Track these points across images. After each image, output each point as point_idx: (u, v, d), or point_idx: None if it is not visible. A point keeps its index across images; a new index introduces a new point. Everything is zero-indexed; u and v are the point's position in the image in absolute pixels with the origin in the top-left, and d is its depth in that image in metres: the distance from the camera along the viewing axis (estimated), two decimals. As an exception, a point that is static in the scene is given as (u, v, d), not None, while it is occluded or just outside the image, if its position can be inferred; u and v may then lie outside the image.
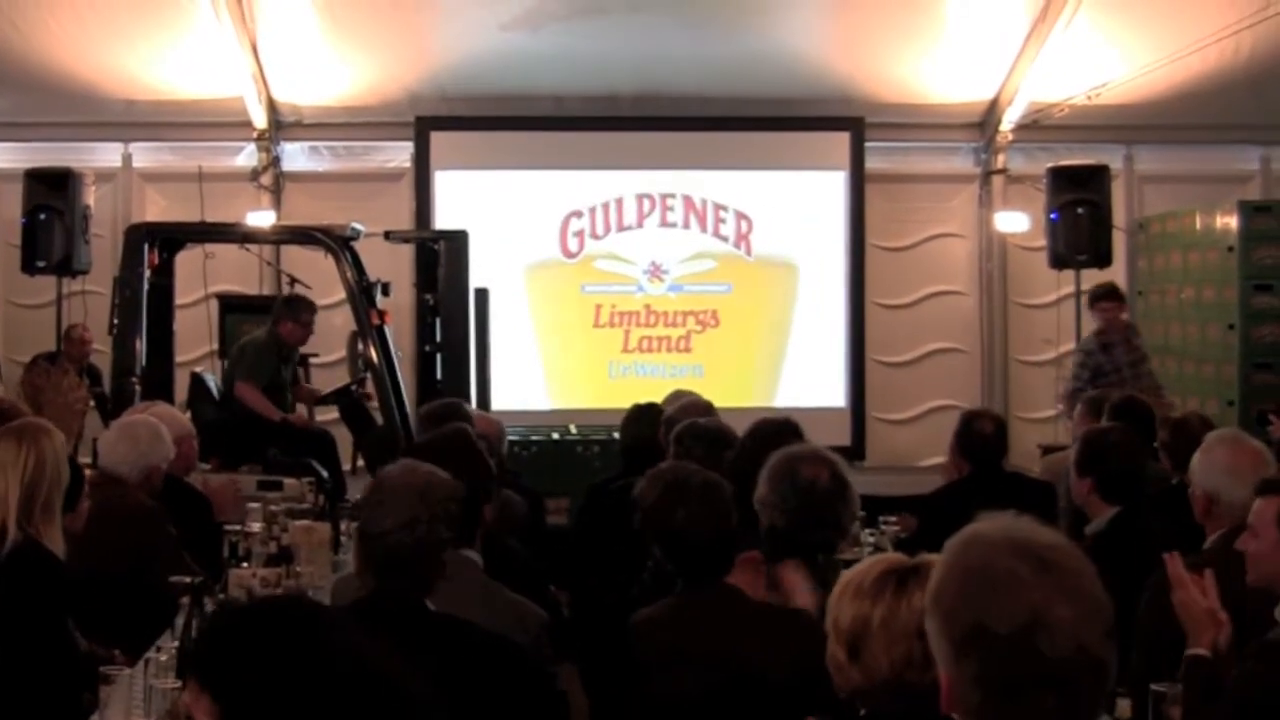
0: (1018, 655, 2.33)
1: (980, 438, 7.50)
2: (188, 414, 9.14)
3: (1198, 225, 13.43)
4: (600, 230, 14.28)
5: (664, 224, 14.31)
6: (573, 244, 14.24)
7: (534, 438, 11.96)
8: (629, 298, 14.31)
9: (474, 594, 4.56)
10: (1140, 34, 13.11)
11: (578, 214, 14.25)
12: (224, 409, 10.74)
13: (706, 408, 7.88)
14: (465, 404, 7.89)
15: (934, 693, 2.47)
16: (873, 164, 14.43)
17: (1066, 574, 2.38)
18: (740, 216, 14.33)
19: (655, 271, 14.23)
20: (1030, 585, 2.35)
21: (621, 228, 14.30)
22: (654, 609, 4.75)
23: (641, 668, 4.65)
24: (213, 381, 11.07)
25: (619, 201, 14.28)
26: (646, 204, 14.29)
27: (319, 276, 12.03)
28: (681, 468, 5.15)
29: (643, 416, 8.10)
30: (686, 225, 14.32)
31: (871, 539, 7.17)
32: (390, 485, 4.08)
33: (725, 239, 14.32)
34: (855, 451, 13.78)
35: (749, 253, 14.33)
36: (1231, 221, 12.83)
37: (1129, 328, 11.71)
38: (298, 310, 10.95)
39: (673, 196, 14.31)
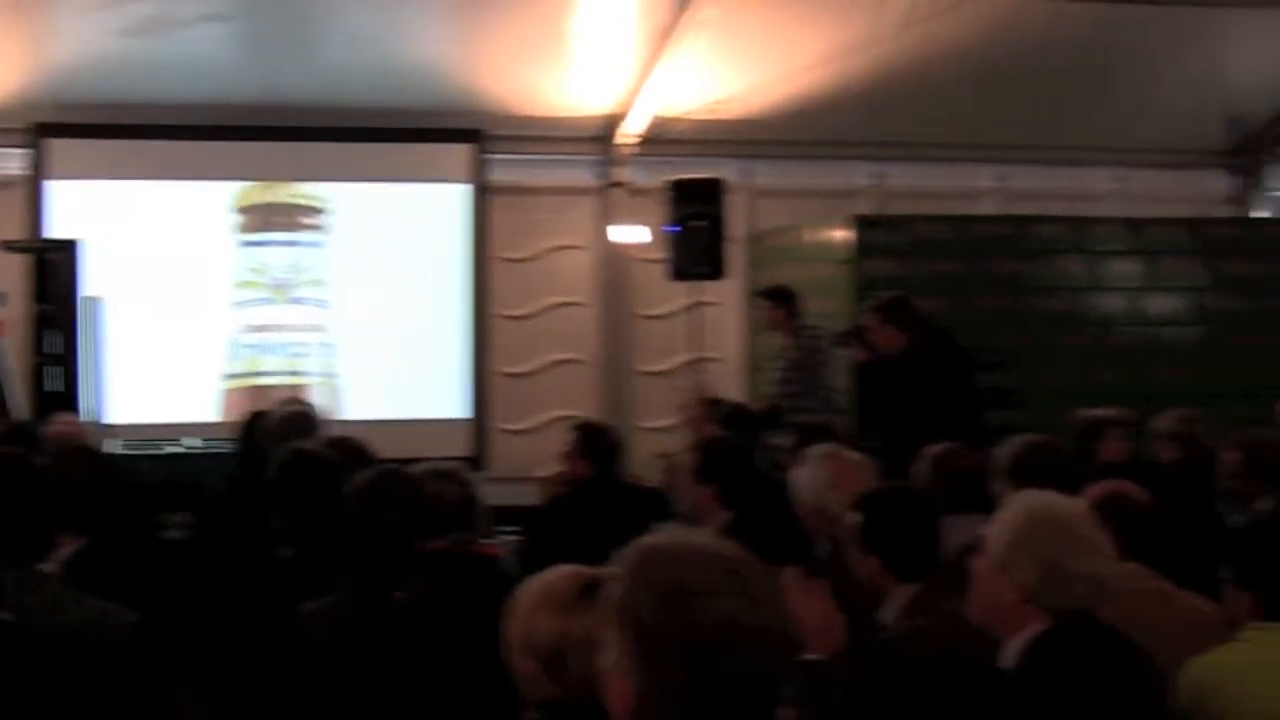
0: (705, 658, 2.35)
1: (606, 441, 7.69)
2: None
3: (811, 238, 13.78)
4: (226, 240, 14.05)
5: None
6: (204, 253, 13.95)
7: (151, 451, 11.68)
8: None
9: (55, 604, 4.41)
10: (760, 51, 13.39)
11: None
12: None
13: (305, 417, 7.88)
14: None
15: None
16: (495, 176, 14.43)
17: (747, 577, 2.41)
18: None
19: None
20: (716, 589, 2.37)
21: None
22: (321, 604, 4.74)
23: (311, 660, 4.60)
24: None
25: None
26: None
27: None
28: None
29: (253, 428, 8.04)
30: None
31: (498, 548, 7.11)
32: None
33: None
34: (477, 462, 13.79)
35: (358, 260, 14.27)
36: (844, 235, 13.19)
37: (796, 329, 11.92)
38: None
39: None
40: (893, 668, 4.21)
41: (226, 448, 11.10)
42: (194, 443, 11.94)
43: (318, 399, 12.16)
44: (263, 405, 10.67)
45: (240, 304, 14.05)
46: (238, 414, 11.14)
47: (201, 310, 13.89)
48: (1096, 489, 5.27)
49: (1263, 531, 4.80)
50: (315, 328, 14.20)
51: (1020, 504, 4.41)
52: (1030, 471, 5.95)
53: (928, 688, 4.05)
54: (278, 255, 14.13)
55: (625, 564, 2.49)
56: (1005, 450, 6.31)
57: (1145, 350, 13.69)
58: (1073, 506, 4.43)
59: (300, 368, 14.17)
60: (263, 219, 14.11)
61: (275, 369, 14.12)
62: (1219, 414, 10.27)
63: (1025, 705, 3.99)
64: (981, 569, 4.34)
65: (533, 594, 3.30)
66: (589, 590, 3.16)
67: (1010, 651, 4.19)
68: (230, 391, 13.95)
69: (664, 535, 2.53)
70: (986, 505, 5.91)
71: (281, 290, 14.12)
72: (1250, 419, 10.61)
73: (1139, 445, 9.19)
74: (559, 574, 3.32)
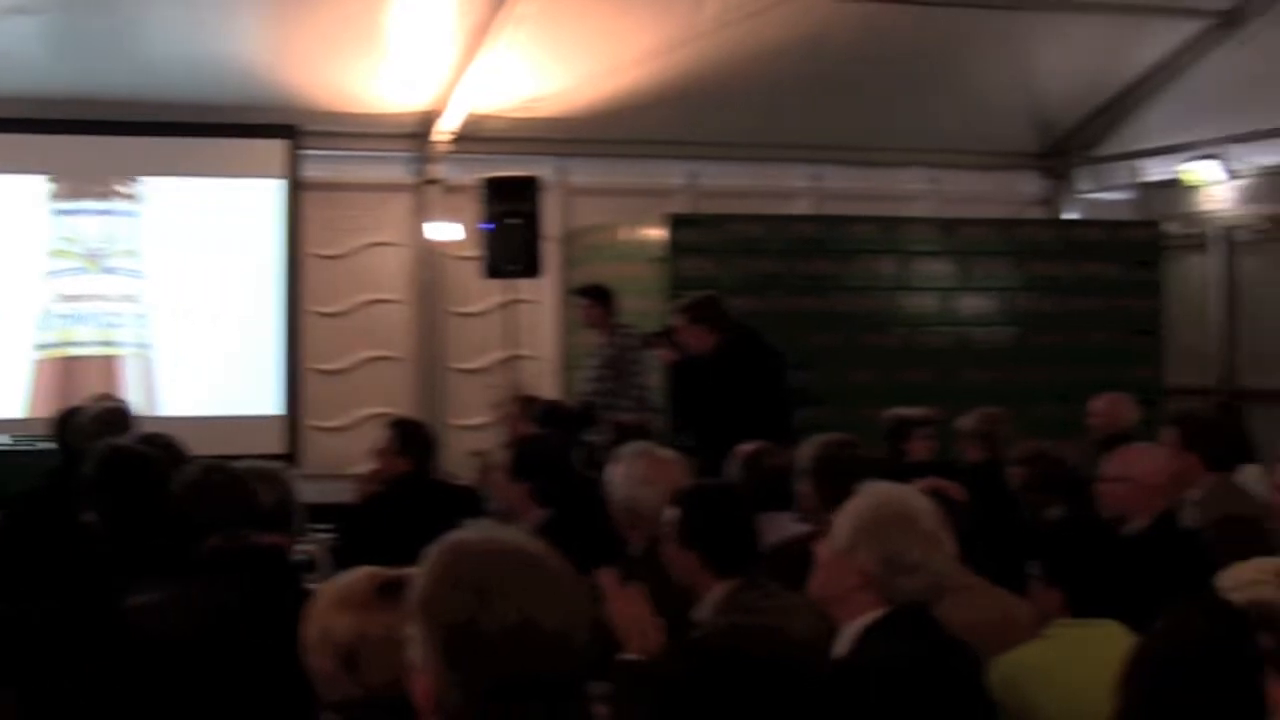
0: (506, 657, 2.35)
1: (422, 438, 7.82)
2: None
3: (626, 237, 13.83)
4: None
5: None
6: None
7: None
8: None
9: None
10: (576, 49, 13.39)
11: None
12: None
13: (118, 413, 7.88)
14: None
15: None
16: (309, 172, 14.28)
17: (551, 577, 2.42)
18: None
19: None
20: (520, 588, 2.37)
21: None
22: (153, 598, 4.70)
23: (140, 651, 4.55)
24: None
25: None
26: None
27: None
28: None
29: (66, 425, 7.97)
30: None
31: (311, 547, 7.06)
32: None
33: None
34: (291, 459, 13.64)
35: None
36: (658, 233, 13.23)
37: (612, 327, 11.94)
38: None
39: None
40: (707, 664, 4.24)
41: (36, 445, 10.95)
42: (3, 439, 11.72)
43: (132, 395, 12.00)
44: (74, 379, 10.48)
45: (52, 274, 13.74)
46: (48, 395, 10.99)
47: (12, 300, 13.63)
48: (918, 486, 5.34)
49: (1071, 528, 4.91)
50: (129, 298, 13.94)
51: (870, 493, 4.46)
52: (831, 470, 6.01)
53: (742, 683, 4.08)
54: (91, 224, 13.84)
55: (429, 560, 2.48)
56: (806, 449, 6.37)
57: (956, 350, 13.85)
58: (920, 501, 4.49)
59: (113, 338, 13.90)
60: (75, 187, 13.84)
61: (88, 339, 13.84)
62: (1029, 414, 10.47)
63: (841, 699, 4.03)
64: (824, 554, 4.39)
65: (329, 594, 3.29)
66: (386, 589, 3.16)
67: (845, 638, 4.25)
68: (42, 363, 13.64)
69: (470, 532, 2.54)
70: (795, 503, 6.01)
71: (94, 260, 13.85)
72: (1060, 419, 10.84)
73: (947, 444, 9.32)
74: (356, 573, 3.32)
